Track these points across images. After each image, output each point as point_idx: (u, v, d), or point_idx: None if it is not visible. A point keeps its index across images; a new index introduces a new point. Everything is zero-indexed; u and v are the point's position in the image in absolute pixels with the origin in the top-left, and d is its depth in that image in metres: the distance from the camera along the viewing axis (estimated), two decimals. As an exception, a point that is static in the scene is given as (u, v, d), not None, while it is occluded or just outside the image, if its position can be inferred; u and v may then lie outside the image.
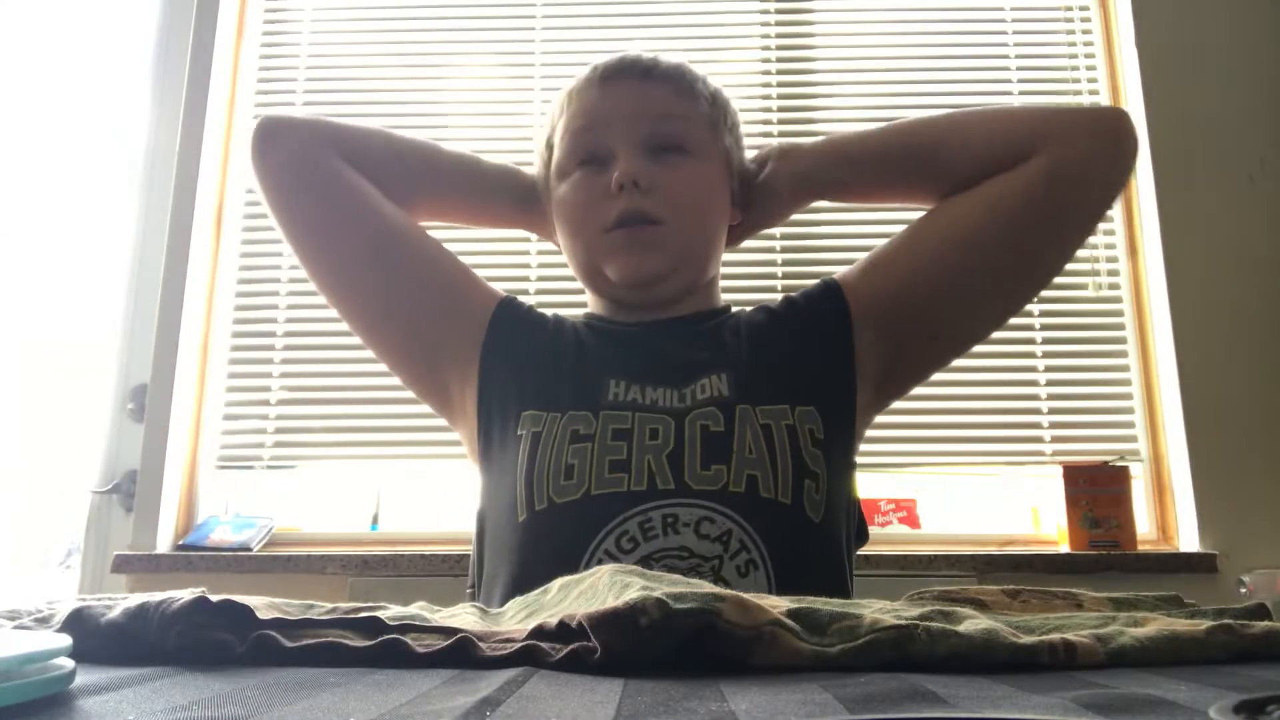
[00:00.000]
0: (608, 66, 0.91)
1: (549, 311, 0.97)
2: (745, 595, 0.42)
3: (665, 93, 0.90)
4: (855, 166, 0.95)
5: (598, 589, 0.48)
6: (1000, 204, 0.87)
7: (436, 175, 0.98)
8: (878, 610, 0.47)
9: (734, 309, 0.97)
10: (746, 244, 1.91)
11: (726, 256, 2.17)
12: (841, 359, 0.89)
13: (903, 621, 0.41)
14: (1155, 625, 0.47)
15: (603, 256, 0.89)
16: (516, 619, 0.52)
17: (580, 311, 0.98)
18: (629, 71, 0.90)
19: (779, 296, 0.98)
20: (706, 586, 0.44)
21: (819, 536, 0.81)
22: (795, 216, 1.88)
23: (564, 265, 1.98)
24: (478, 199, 0.99)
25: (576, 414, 0.82)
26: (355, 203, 0.92)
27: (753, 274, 1.89)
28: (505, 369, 0.90)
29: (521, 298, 0.98)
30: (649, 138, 0.88)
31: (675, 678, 0.38)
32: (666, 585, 0.45)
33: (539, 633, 0.44)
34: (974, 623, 0.44)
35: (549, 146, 0.94)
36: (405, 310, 0.92)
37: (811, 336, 0.90)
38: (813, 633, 0.42)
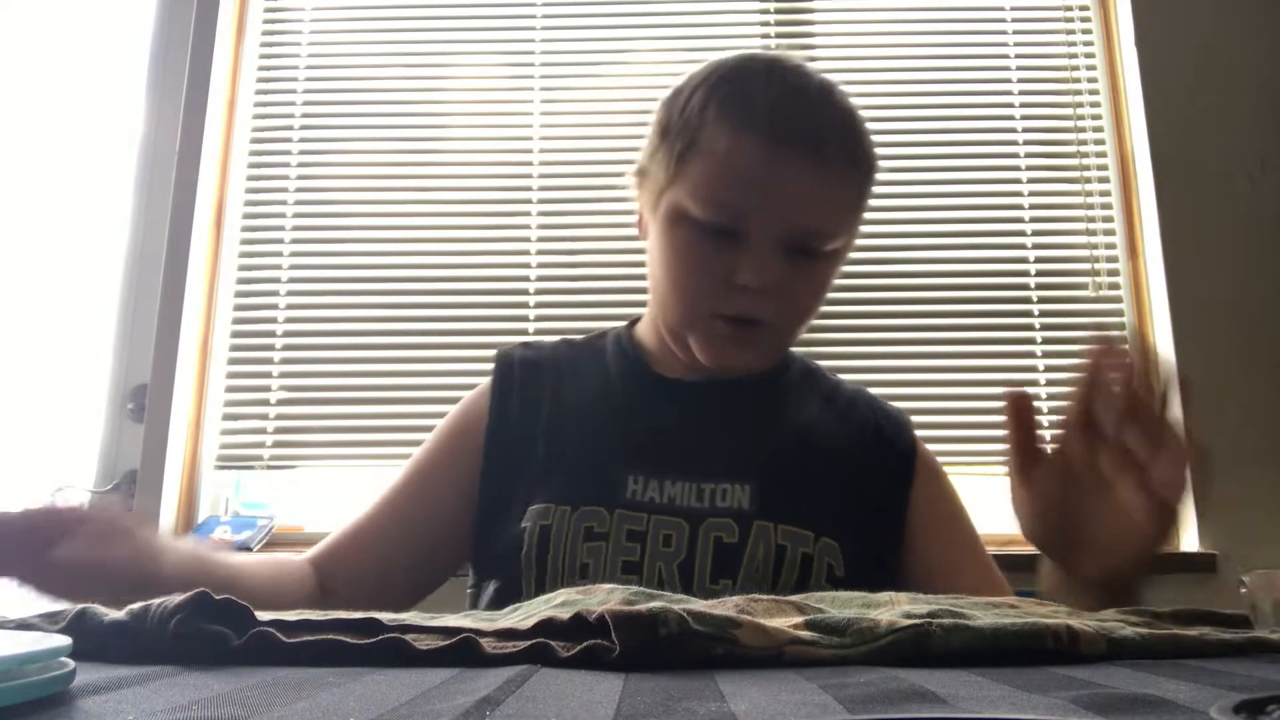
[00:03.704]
0: (782, 126, 0.79)
1: (559, 350, 0.93)
2: (763, 620, 0.43)
3: (830, 183, 0.80)
4: None
5: (609, 603, 0.48)
6: None
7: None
8: (885, 606, 0.48)
9: (796, 365, 0.94)
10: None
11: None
12: (892, 510, 0.88)
13: (917, 620, 0.43)
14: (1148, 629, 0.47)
15: (696, 334, 0.83)
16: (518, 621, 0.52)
17: (623, 324, 0.95)
18: (801, 140, 0.79)
19: (856, 393, 0.94)
20: (722, 611, 0.44)
21: None
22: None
23: (565, 267, 1.96)
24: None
25: (590, 509, 0.79)
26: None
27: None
28: (503, 480, 0.86)
29: (519, 341, 0.95)
30: (792, 236, 0.80)
31: (675, 677, 0.38)
32: (680, 606, 0.45)
33: (547, 626, 0.44)
34: (979, 620, 0.45)
35: (676, 155, 0.81)
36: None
37: (864, 482, 0.87)
38: (830, 634, 0.43)
